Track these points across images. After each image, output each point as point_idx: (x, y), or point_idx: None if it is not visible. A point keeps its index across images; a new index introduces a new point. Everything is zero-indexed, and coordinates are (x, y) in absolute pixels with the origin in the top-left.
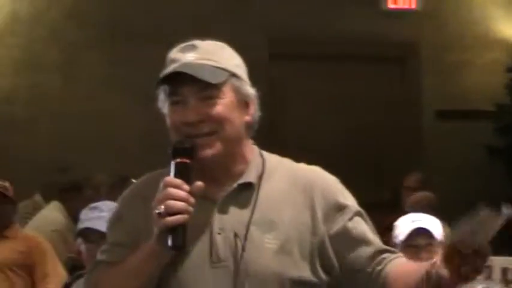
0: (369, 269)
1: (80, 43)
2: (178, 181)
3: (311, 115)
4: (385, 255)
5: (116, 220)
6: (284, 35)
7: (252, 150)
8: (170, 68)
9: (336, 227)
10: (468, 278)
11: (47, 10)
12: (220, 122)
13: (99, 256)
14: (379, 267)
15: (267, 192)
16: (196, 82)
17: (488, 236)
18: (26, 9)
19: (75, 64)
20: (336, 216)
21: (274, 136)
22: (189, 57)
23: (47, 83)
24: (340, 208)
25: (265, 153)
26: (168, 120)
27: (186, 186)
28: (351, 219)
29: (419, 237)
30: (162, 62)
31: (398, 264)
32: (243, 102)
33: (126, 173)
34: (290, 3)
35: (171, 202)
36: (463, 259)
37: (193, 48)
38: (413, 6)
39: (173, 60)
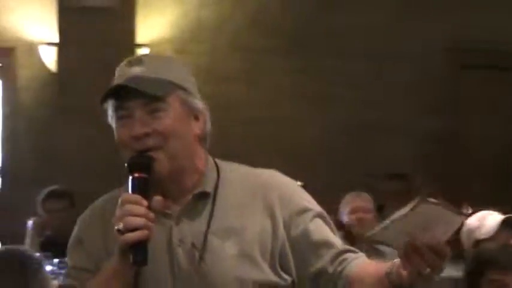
0: (331, 270)
1: (262, 50)
2: (137, 197)
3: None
4: (346, 255)
5: (75, 243)
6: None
7: (205, 161)
8: (115, 82)
9: (297, 230)
10: (427, 276)
11: (230, 18)
12: (166, 135)
13: (64, 280)
14: (340, 268)
15: (223, 200)
16: (141, 95)
17: (447, 233)
18: (210, 17)
19: (258, 71)
20: (296, 219)
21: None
22: (135, 71)
23: (230, 90)
24: (300, 211)
25: (220, 162)
26: (115, 135)
27: (144, 202)
28: (311, 221)
29: None
30: (337, 71)
31: (360, 265)
32: (191, 115)
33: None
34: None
35: (130, 218)
36: (421, 257)
37: (140, 62)
38: None
39: (119, 75)
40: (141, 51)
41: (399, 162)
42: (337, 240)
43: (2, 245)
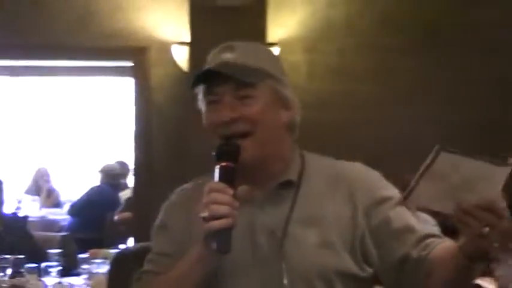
0: (415, 255)
1: (392, 49)
2: (223, 185)
3: None
4: (429, 240)
5: (160, 229)
6: None
7: (291, 150)
8: (206, 67)
9: (377, 219)
10: (491, 236)
11: (360, 16)
12: (255, 121)
13: (145, 266)
14: (424, 253)
15: (306, 189)
16: (232, 81)
17: (494, 190)
18: (339, 16)
19: (387, 70)
20: (377, 209)
21: None
22: (226, 57)
23: (360, 89)
24: (381, 200)
25: (306, 153)
26: (204, 120)
27: (229, 190)
28: (392, 208)
29: None
30: (473, 66)
31: (443, 247)
32: (281, 104)
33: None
34: None
35: (215, 206)
36: (475, 218)
37: (231, 48)
38: None
39: (211, 60)
40: (272, 50)
41: None
42: (419, 226)
43: (136, 242)
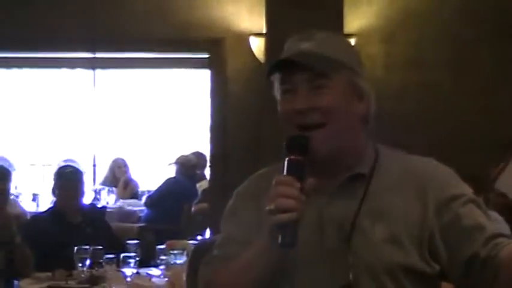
0: (483, 254)
1: (471, 39)
2: (290, 179)
3: None
4: (499, 239)
5: (230, 215)
6: None
7: (365, 143)
8: (283, 56)
9: (448, 216)
10: None
11: (438, 6)
12: (329, 112)
13: (214, 251)
14: (493, 252)
15: (377, 183)
16: (307, 71)
17: None
18: (417, 6)
19: (465, 61)
20: (447, 206)
21: None
22: (304, 46)
23: (438, 80)
24: (452, 198)
25: (379, 146)
26: (278, 109)
27: (297, 184)
28: (463, 206)
29: None
30: None
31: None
32: (356, 96)
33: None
34: None
35: (282, 200)
36: None
37: (310, 37)
38: None
39: (288, 48)
40: (350, 42)
41: None
42: (490, 224)
43: (213, 233)
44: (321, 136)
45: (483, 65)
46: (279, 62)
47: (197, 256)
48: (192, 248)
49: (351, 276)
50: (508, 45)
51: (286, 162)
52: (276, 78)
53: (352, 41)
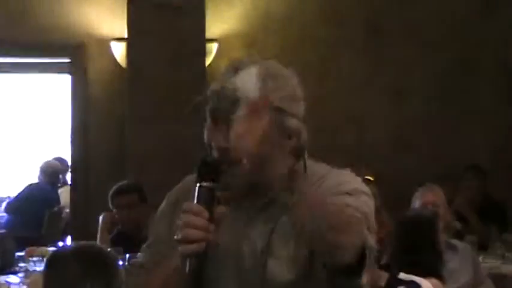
0: None
1: (333, 42)
2: (199, 208)
3: None
4: None
5: (160, 216)
6: None
7: (290, 172)
8: (208, 92)
9: None
10: None
11: (300, 9)
12: (246, 153)
13: (140, 257)
14: None
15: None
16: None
17: None
18: (279, 9)
19: (328, 62)
20: None
21: None
22: (228, 82)
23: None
24: None
25: (311, 170)
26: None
27: (205, 214)
28: None
29: None
30: (413, 60)
31: None
32: (283, 134)
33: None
34: None
35: (189, 231)
36: None
37: (236, 71)
38: None
39: (218, 79)
40: (211, 46)
41: (477, 153)
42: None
43: (74, 240)
44: (236, 172)
45: (346, 68)
46: (202, 98)
47: (52, 263)
48: None
49: None
50: (372, 46)
51: (197, 189)
52: None
53: (214, 47)
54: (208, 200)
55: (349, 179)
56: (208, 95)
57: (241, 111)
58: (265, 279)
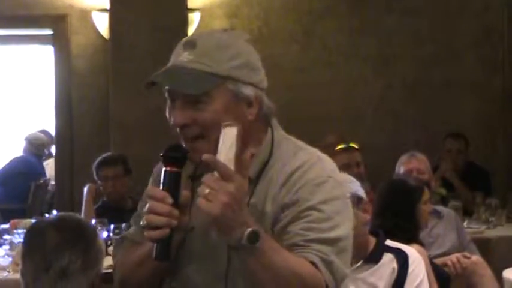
0: None
1: (316, 11)
2: (162, 194)
3: None
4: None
5: (146, 192)
6: None
7: (257, 143)
8: (161, 70)
9: (280, 224)
10: None
11: None
12: (207, 127)
13: (127, 230)
14: None
15: (263, 185)
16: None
17: None
18: None
19: (312, 33)
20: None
21: None
22: (184, 58)
23: (285, 53)
24: (294, 203)
25: (277, 141)
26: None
27: (169, 200)
28: (295, 216)
29: None
30: (397, 31)
31: None
32: (242, 103)
33: (360, 140)
34: None
35: (153, 217)
36: None
37: (192, 46)
38: None
39: (173, 56)
40: (193, 16)
41: (462, 121)
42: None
43: (59, 211)
44: (201, 147)
45: (331, 37)
46: (156, 75)
47: (32, 234)
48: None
49: (229, 274)
50: (356, 16)
51: (162, 173)
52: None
53: (196, 16)
54: (173, 184)
55: (323, 174)
56: (163, 74)
57: (195, 86)
58: (232, 261)
